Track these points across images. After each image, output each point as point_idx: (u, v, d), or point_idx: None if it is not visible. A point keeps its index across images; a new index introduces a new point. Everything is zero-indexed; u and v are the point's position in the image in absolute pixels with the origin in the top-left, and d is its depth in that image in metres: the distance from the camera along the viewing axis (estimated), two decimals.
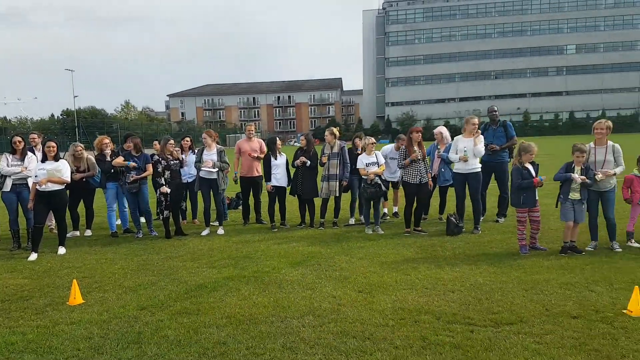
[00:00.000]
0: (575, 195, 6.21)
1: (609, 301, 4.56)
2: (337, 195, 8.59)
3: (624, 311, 4.28)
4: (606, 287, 4.96)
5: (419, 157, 7.80)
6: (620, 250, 6.36)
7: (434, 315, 4.29)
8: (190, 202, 9.56)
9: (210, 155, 8.40)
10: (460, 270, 5.72)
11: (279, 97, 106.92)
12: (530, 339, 3.78)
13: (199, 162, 8.42)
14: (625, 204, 6.83)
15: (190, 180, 9.09)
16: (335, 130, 8.69)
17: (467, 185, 7.85)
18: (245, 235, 8.22)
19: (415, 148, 7.85)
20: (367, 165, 8.08)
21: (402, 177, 8.04)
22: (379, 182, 8.03)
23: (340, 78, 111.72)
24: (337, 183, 8.47)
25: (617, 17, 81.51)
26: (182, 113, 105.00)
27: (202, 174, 8.41)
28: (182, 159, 8.77)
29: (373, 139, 8.38)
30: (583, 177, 6.13)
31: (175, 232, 8.25)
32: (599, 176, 6.19)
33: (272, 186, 8.54)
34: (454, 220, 7.78)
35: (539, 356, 3.49)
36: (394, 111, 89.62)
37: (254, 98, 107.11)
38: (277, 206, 8.72)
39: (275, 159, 8.60)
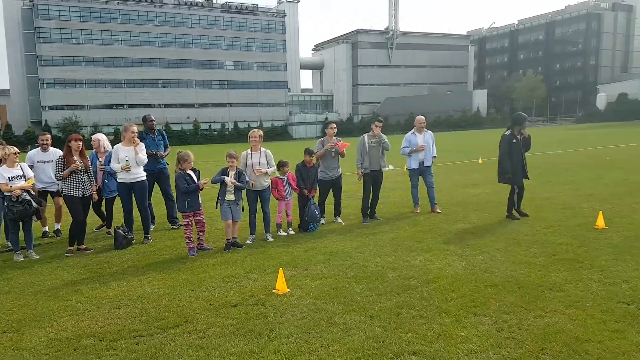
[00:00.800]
0: (230, 196, 6.85)
1: (262, 285, 5.22)
2: None
3: (274, 291, 4.98)
4: (260, 273, 5.67)
5: (80, 168, 7.07)
6: (272, 240, 7.40)
7: (97, 338, 3.96)
8: None
9: None
10: (128, 283, 5.48)
11: None
12: (195, 335, 3.94)
13: None
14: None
15: None
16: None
17: (133, 195, 7.62)
18: None
19: (76, 158, 7.09)
20: (10, 179, 6.80)
21: (63, 190, 7.14)
22: (28, 198, 6.88)
23: None
24: None
25: (264, 40, 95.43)
26: None
27: None
28: None
29: (15, 149, 7.09)
30: (234, 180, 6.82)
31: None
32: (253, 177, 7.05)
33: None
34: (122, 232, 7.42)
35: (201, 350, 3.67)
36: (53, 116, 79.18)
37: None
38: None
39: None
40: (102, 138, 8.45)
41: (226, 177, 6.79)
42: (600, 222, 7.41)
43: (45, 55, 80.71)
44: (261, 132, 7.51)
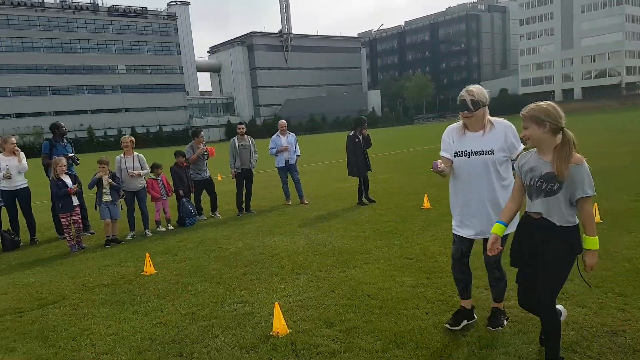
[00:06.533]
0: (107, 197, 7.77)
1: (134, 270, 6.29)
2: None
3: (142, 273, 6.08)
4: (134, 261, 6.69)
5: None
6: (151, 235, 8.41)
7: None
8: None
9: None
10: (15, 276, 6.33)
11: None
12: (70, 307, 4.98)
13: None
14: None
15: None
16: None
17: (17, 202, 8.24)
18: None
19: None
20: None
21: None
22: None
23: None
24: None
25: (157, 43, 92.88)
26: None
27: None
28: None
29: None
30: (110, 180, 7.75)
31: None
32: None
33: None
34: (9, 236, 8.05)
35: (74, 316, 4.72)
36: None
37: None
38: None
39: None
40: None
41: (104, 176, 7.67)
42: (426, 204, 9.21)
43: None
44: (132, 138, 8.53)
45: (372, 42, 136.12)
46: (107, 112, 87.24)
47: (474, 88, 3.51)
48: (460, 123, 3.69)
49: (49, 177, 7.91)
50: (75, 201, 7.65)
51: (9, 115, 79.11)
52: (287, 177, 10.83)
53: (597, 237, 2.96)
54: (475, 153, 3.58)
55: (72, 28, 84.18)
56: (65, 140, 9.04)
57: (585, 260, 2.99)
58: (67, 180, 7.62)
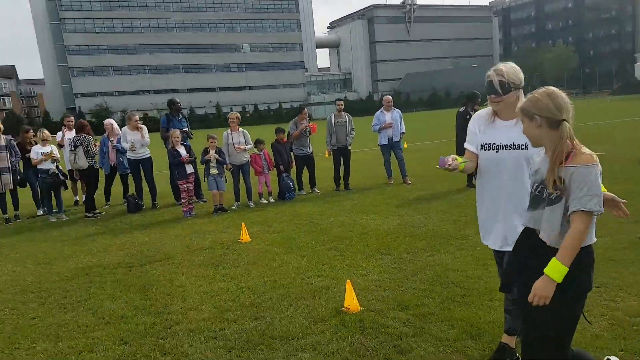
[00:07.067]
0: (214, 171, 8.39)
1: (232, 237, 6.75)
2: (12, 188, 8.72)
3: (239, 240, 6.50)
4: (234, 229, 7.17)
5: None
6: (253, 206, 8.92)
7: (103, 267, 5.63)
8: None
9: None
10: (132, 235, 7.18)
11: None
12: (172, 265, 5.55)
13: None
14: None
15: None
16: None
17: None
18: None
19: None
20: (42, 154, 8.58)
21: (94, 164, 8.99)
22: (57, 172, 8.63)
23: (13, 65, 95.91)
24: (11, 176, 8.61)
25: (279, 20, 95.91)
26: None
27: None
28: None
29: (47, 132, 8.89)
30: (216, 155, 8.34)
31: None
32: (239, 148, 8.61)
33: None
34: (133, 200, 9.13)
35: (173, 274, 5.23)
36: (85, 102, 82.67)
37: None
38: None
39: None
40: (113, 122, 10.07)
41: (211, 151, 8.33)
42: None
43: (72, 45, 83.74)
44: (238, 115, 9.07)
45: (505, 11, 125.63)
46: (233, 89, 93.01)
47: (505, 67, 2.88)
48: (489, 109, 3.04)
49: (167, 149, 8.76)
50: (189, 169, 8.39)
51: (148, 91, 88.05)
52: (390, 155, 10.61)
53: (566, 268, 2.14)
54: (506, 147, 2.93)
55: (201, 8, 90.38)
56: (180, 115, 9.79)
57: (535, 286, 2.21)
58: (182, 150, 8.37)
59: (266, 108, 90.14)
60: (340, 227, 6.99)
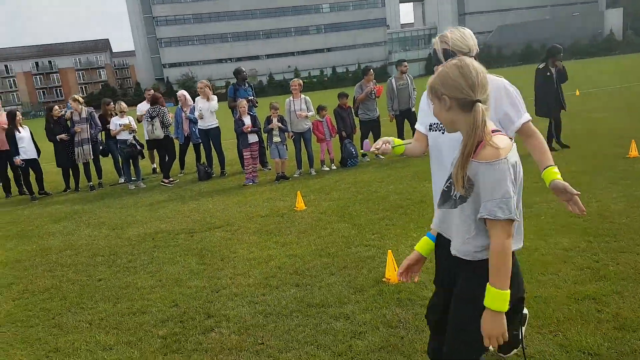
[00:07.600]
0: (276, 139, 8.56)
1: (289, 204, 6.92)
2: (92, 157, 9.57)
3: (294, 208, 6.66)
4: (292, 197, 7.33)
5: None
6: (315, 173, 9.03)
7: (168, 232, 6.08)
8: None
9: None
10: (199, 202, 7.62)
11: (37, 63, 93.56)
12: (229, 232, 5.85)
13: None
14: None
15: None
16: (79, 97, 9.61)
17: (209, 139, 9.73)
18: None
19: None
20: (120, 126, 9.29)
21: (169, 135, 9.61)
22: (134, 142, 9.30)
23: (107, 39, 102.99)
24: (90, 146, 9.43)
25: None
26: None
27: None
28: None
29: (124, 105, 9.59)
30: (279, 124, 8.49)
31: None
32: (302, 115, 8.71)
33: (21, 160, 9.03)
34: (203, 168, 9.63)
35: (229, 240, 5.52)
36: (173, 72, 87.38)
37: (5, 66, 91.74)
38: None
39: (19, 132, 9.09)
40: (185, 94, 10.55)
41: (273, 119, 8.50)
42: (634, 151, 7.35)
43: (159, 16, 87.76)
44: (300, 81, 9.05)
45: None
46: (310, 52, 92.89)
47: (451, 33, 2.48)
48: None
49: (234, 118, 9.06)
50: (252, 139, 8.66)
51: (230, 59, 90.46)
52: None
53: (507, 291, 1.74)
54: None
55: None
56: (246, 84, 9.97)
57: (482, 328, 1.79)
58: (247, 120, 8.63)
59: (344, 70, 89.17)
60: (397, 195, 6.90)
